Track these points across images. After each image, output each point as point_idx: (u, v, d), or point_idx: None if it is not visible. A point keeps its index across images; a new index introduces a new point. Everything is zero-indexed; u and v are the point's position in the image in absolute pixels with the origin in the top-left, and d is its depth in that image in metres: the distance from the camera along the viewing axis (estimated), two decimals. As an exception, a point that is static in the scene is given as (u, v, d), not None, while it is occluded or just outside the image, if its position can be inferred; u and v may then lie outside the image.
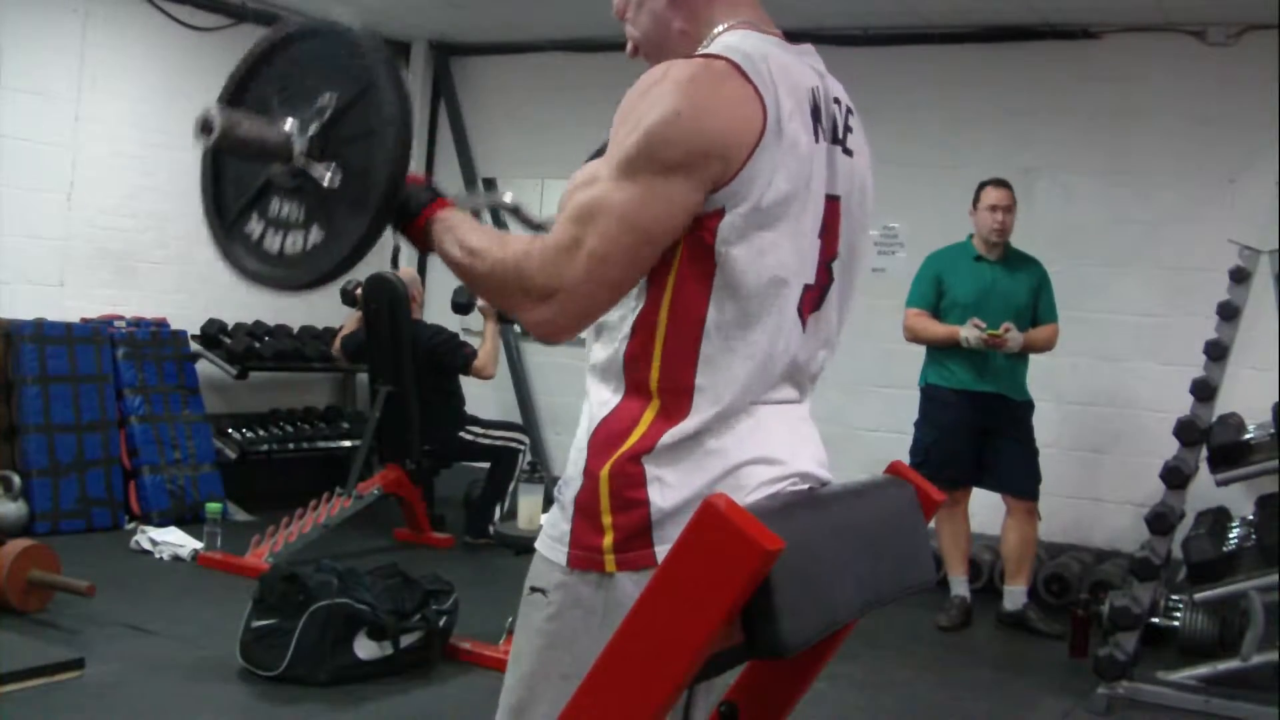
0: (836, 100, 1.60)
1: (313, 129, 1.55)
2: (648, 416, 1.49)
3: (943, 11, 6.15)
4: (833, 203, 1.56)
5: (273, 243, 1.61)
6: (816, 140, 1.52)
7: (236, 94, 1.67)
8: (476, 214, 1.64)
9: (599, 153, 1.56)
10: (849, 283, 1.65)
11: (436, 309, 6.47)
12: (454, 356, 5.82)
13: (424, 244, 1.60)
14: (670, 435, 1.47)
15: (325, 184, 1.54)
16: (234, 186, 1.67)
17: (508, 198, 1.75)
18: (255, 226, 1.64)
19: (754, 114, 1.43)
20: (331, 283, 1.60)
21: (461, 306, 5.87)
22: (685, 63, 1.46)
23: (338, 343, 6.24)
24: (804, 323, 1.55)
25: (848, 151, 1.60)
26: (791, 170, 1.46)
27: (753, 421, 1.51)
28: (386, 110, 1.52)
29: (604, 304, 1.47)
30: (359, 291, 5.96)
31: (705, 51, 1.49)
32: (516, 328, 7.57)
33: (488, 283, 1.52)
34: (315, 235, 1.57)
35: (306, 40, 1.63)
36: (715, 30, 1.57)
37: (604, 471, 1.48)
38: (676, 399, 1.48)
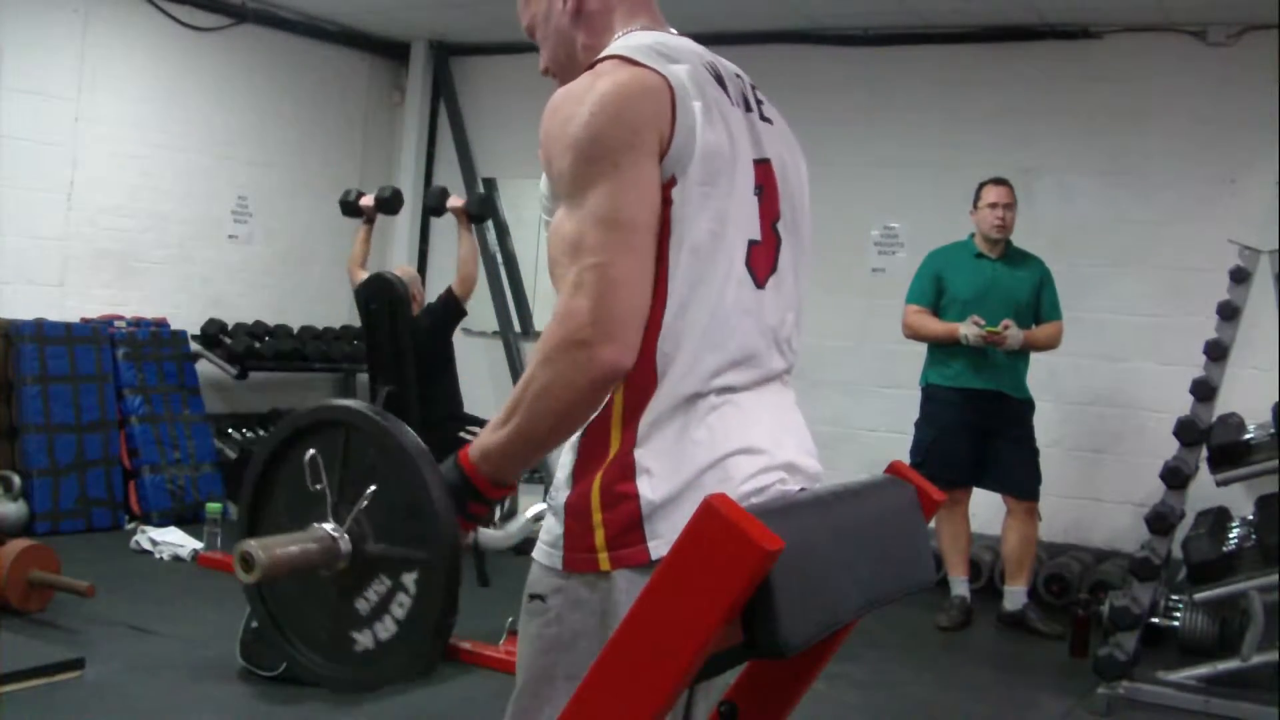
0: (738, 75, 1.64)
1: (344, 512, 1.51)
2: (619, 402, 1.48)
3: (943, 11, 6.15)
4: (763, 165, 1.59)
5: (386, 628, 1.53)
6: (731, 104, 1.56)
7: (253, 517, 1.62)
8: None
9: None
10: (799, 246, 1.66)
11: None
12: (440, 309, 5.76)
13: (493, 482, 1.51)
14: (649, 413, 1.47)
15: (383, 547, 1.49)
16: (289, 605, 1.60)
17: None
18: (364, 639, 1.54)
19: (655, 83, 1.47)
20: (449, 634, 1.52)
21: (433, 209, 5.84)
22: (572, 82, 1.52)
23: (356, 275, 5.95)
24: (761, 281, 1.57)
25: (766, 119, 1.64)
26: (716, 126, 1.50)
27: (736, 410, 1.51)
28: (405, 462, 1.47)
29: (635, 304, 1.45)
30: (363, 201, 5.90)
31: (591, 61, 1.54)
32: (516, 326, 7.58)
33: (546, 395, 1.44)
34: (402, 601, 1.51)
35: (298, 443, 1.59)
36: (614, 39, 1.61)
37: (596, 479, 1.48)
38: (648, 374, 1.48)
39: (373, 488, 1.49)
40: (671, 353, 1.48)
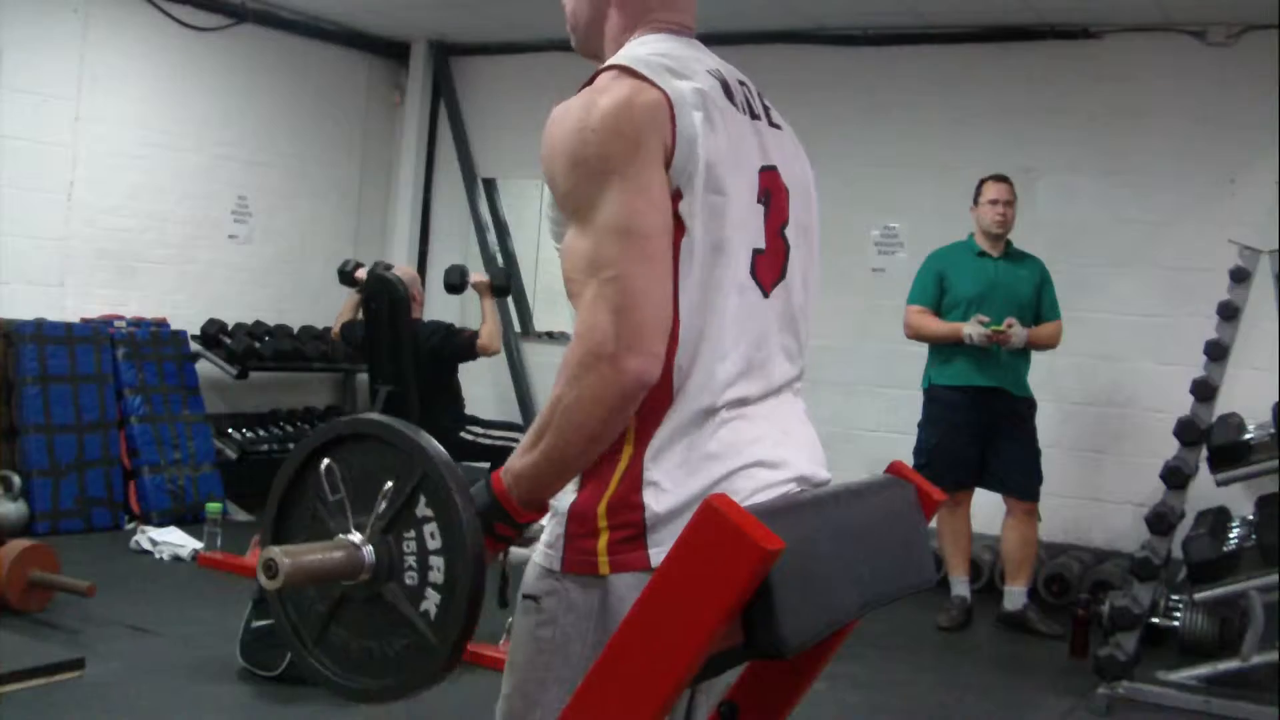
0: (742, 81, 1.63)
1: (377, 538, 1.50)
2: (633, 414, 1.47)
3: (943, 11, 6.15)
4: (769, 172, 1.58)
5: (364, 651, 1.53)
6: (737, 111, 1.55)
7: (277, 528, 1.61)
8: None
9: None
10: (808, 253, 1.66)
11: (436, 307, 6.48)
12: (457, 344, 5.81)
13: (523, 504, 1.49)
14: (664, 428, 1.46)
15: (408, 582, 1.49)
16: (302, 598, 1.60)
17: None
18: (340, 637, 1.55)
19: (653, 95, 1.46)
20: (437, 684, 1.51)
21: (454, 286, 5.87)
22: (572, 99, 1.50)
23: (337, 328, 6.10)
24: (767, 289, 1.56)
25: (774, 125, 1.64)
26: (718, 134, 1.49)
27: (747, 424, 1.50)
28: (449, 512, 1.46)
29: (657, 314, 1.43)
30: (359, 273, 5.94)
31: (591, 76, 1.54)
32: (516, 327, 7.58)
33: (575, 413, 1.42)
34: (404, 639, 1.50)
35: (347, 445, 1.56)
36: (634, 37, 1.62)
37: (606, 491, 1.46)
38: (664, 387, 1.47)
39: (388, 484, 1.49)
40: (686, 366, 1.47)
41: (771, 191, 1.58)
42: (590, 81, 1.52)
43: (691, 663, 1.33)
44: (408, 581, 1.49)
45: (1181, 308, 5.75)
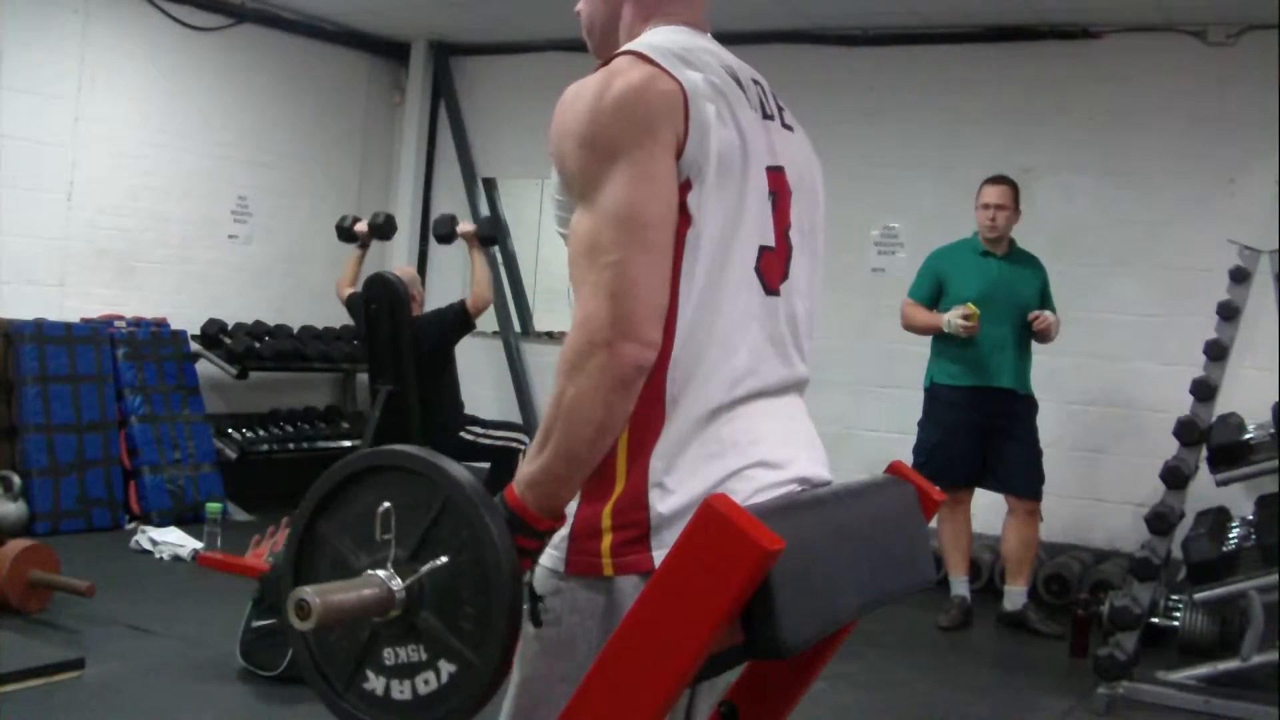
0: (756, 80, 1.63)
1: (405, 568, 1.45)
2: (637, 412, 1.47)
3: (943, 11, 6.15)
4: (776, 172, 1.58)
5: (402, 691, 1.48)
6: (749, 108, 1.55)
7: (300, 563, 1.55)
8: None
9: None
10: (814, 257, 1.66)
11: (437, 304, 6.46)
12: (450, 321, 5.79)
13: (540, 511, 1.46)
14: (670, 430, 1.46)
15: (435, 624, 1.45)
16: (335, 641, 1.55)
17: None
18: (376, 683, 1.50)
19: (668, 85, 1.46)
20: (486, 704, 1.46)
21: (443, 236, 5.88)
22: (586, 79, 1.50)
23: (344, 292, 5.97)
24: (772, 288, 1.56)
25: (786, 126, 1.64)
26: (728, 128, 1.49)
27: (748, 424, 1.50)
28: (476, 529, 1.41)
29: (653, 301, 1.43)
30: (358, 227, 5.92)
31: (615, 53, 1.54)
32: (516, 327, 7.58)
33: (579, 404, 1.41)
34: (429, 680, 1.45)
35: (365, 479, 1.52)
36: (648, 29, 1.62)
37: (614, 492, 1.46)
38: (655, 382, 1.46)
39: (444, 559, 1.43)
40: (688, 362, 1.47)
41: (778, 193, 1.57)
42: (605, 64, 1.51)
43: (691, 663, 1.33)
44: (425, 648, 1.44)
45: (1181, 308, 5.75)
